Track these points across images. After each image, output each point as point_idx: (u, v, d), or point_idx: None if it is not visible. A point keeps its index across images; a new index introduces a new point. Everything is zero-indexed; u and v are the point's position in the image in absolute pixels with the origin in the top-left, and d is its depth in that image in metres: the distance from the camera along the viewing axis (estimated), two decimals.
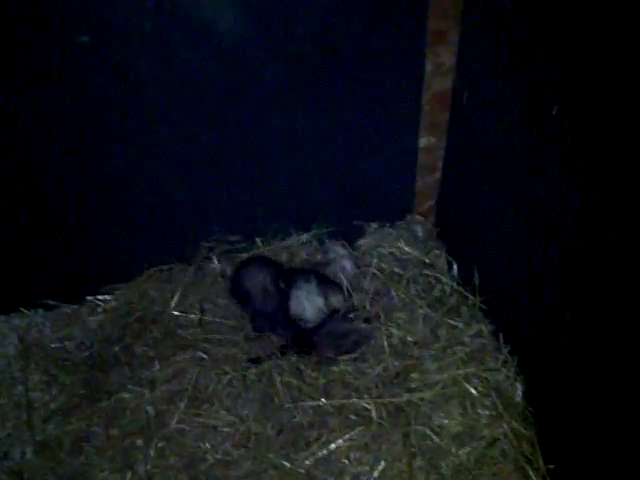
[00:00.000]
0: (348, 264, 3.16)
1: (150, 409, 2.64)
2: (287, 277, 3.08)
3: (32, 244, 3.04)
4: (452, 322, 2.85)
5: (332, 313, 2.97)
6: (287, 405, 2.60)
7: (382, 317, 2.88)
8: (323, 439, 2.48)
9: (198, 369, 2.75)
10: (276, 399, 2.63)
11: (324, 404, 2.58)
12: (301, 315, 2.98)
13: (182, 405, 2.62)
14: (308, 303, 2.97)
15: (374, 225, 3.39)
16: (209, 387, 2.70)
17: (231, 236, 3.29)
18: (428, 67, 2.88)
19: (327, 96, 2.93)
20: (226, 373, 2.73)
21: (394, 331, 2.82)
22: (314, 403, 2.59)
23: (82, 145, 2.83)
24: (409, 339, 2.79)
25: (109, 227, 3.09)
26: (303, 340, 2.88)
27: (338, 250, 3.24)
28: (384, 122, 3.04)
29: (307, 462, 2.42)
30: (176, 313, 3.05)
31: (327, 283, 3.04)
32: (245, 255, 3.32)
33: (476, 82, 2.72)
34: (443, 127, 3.06)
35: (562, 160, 2.10)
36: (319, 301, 2.97)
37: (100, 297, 3.19)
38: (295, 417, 2.58)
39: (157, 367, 2.80)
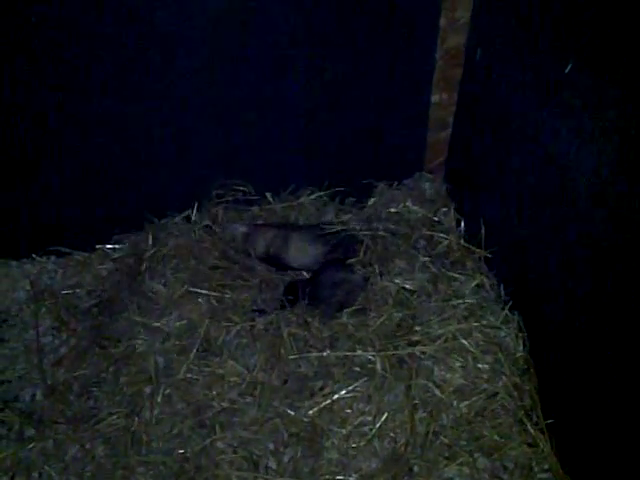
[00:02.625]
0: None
1: (159, 358, 2.68)
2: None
3: (45, 192, 3.07)
4: (454, 275, 2.87)
5: (327, 263, 2.99)
6: (293, 356, 2.63)
7: (377, 267, 2.89)
8: (327, 389, 2.52)
9: (208, 320, 2.78)
10: (282, 350, 2.66)
11: (328, 355, 2.62)
12: (300, 262, 3.05)
13: (192, 355, 2.65)
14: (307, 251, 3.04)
15: (382, 184, 3.40)
16: (219, 338, 2.73)
17: (242, 186, 3.29)
18: (443, 22, 2.87)
19: (340, 49, 2.92)
20: (236, 323, 2.76)
21: (391, 280, 2.85)
22: (319, 354, 2.63)
23: (100, 92, 2.85)
24: (407, 287, 2.82)
25: (121, 176, 3.11)
26: (294, 289, 2.91)
27: None
28: (397, 76, 3.04)
29: (311, 411, 2.46)
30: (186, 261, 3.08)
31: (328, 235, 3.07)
32: (256, 209, 3.34)
33: (490, 38, 2.71)
34: (455, 83, 3.05)
35: (574, 118, 2.10)
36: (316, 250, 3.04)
37: (110, 246, 3.22)
38: (300, 367, 2.62)
39: (168, 314, 2.83)
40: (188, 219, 3.26)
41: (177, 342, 2.73)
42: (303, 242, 3.07)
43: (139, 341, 2.75)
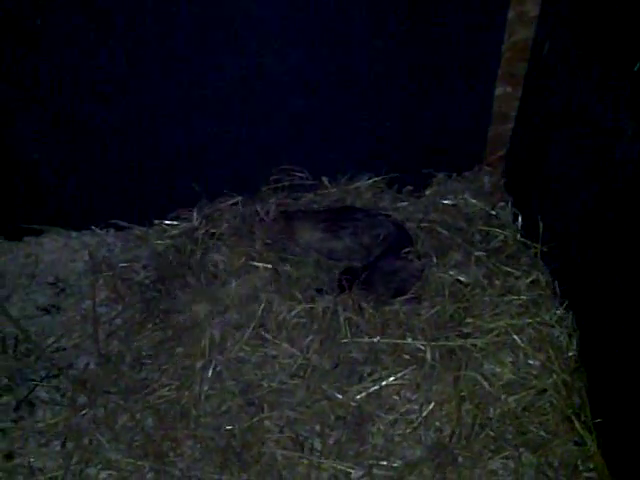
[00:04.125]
0: None
1: (215, 332, 2.69)
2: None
3: (106, 166, 3.13)
4: (510, 270, 2.85)
5: (385, 251, 2.99)
6: (345, 340, 2.65)
7: (434, 258, 2.89)
8: (376, 375, 2.53)
9: (267, 294, 2.79)
10: (336, 334, 2.67)
11: (379, 341, 2.62)
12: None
13: (246, 334, 2.68)
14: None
15: (441, 175, 3.39)
16: (278, 315, 2.73)
17: (298, 172, 3.29)
18: (511, 15, 2.84)
19: (405, 36, 2.91)
20: (298, 302, 2.76)
21: (446, 272, 2.84)
22: (370, 340, 2.64)
23: (160, 70, 2.90)
24: (462, 280, 2.81)
25: (182, 156, 3.16)
26: (351, 272, 2.91)
27: None
28: (462, 68, 3.02)
29: (358, 396, 2.48)
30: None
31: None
32: (311, 194, 3.35)
33: (559, 33, 2.68)
34: (520, 77, 3.02)
35: None
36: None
37: (168, 222, 3.26)
38: (351, 352, 2.63)
39: (227, 286, 2.84)
40: (243, 202, 3.25)
41: (235, 315, 2.74)
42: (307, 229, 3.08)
43: (195, 314, 2.77)
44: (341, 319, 2.69)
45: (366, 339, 2.64)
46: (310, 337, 2.66)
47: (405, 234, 3.06)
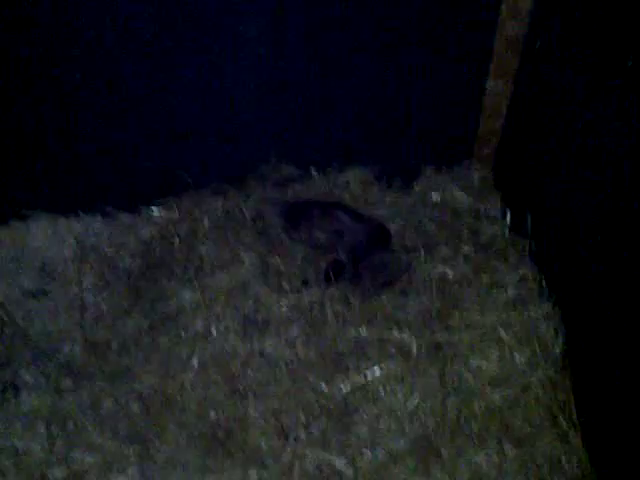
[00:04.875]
0: None
1: (200, 322, 2.71)
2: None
3: (94, 150, 3.10)
4: (497, 265, 2.87)
5: (373, 243, 2.99)
6: (332, 332, 2.66)
7: (422, 252, 2.90)
8: (362, 367, 2.54)
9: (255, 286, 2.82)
10: (323, 326, 2.68)
11: (366, 335, 2.63)
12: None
13: (234, 324, 2.71)
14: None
15: (430, 169, 3.39)
16: (265, 307, 2.76)
17: (285, 166, 3.31)
18: (503, 9, 2.84)
19: (397, 30, 2.92)
20: (286, 292, 2.79)
21: (434, 267, 2.86)
22: (356, 333, 2.65)
23: (149, 57, 2.88)
24: (449, 275, 2.82)
25: (169, 142, 3.14)
26: (338, 265, 2.91)
27: None
28: (453, 62, 3.03)
29: (343, 386, 2.49)
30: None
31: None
32: (299, 187, 3.34)
33: (551, 29, 2.68)
34: (512, 72, 3.02)
35: (634, 113, 2.08)
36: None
37: (155, 208, 3.25)
38: (338, 345, 2.64)
39: (213, 277, 2.87)
40: (228, 193, 3.28)
41: (221, 307, 2.76)
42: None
43: (180, 304, 2.79)
44: (328, 312, 2.70)
45: (353, 332, 2.65)
46: (297, 328, 2.67)
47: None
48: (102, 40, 2.76)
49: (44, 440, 2.40)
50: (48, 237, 3.16)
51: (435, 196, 3.28)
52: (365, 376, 2.51)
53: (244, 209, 3.18)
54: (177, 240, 3.06)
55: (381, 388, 2.49)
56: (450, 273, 2.83)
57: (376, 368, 2.53)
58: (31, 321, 2.82)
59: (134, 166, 3.18)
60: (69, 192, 3.22)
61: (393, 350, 2.59)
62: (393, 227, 3.11)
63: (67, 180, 3.18)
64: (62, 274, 3.02)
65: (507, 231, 3.04)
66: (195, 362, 2.59)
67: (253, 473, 2.29)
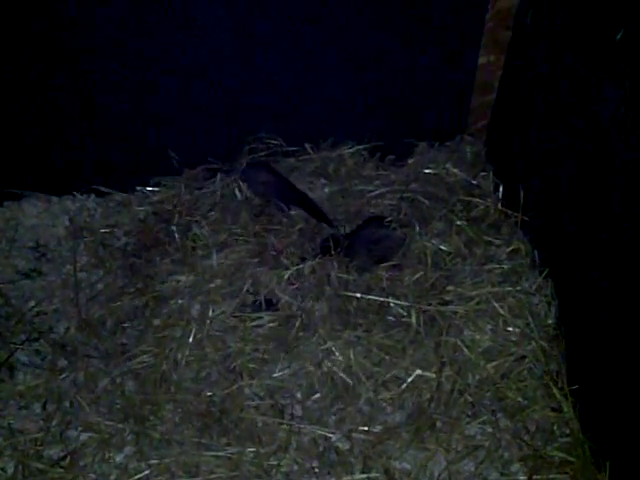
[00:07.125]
0: None
1: (194, 302, 2.72)
2: None
3: (87, 129, 3.10)
4: (490, 239, 2.88)
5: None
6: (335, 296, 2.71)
7: (417, 226, 2.90)
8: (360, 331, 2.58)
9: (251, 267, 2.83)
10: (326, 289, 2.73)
11: (366, 298, 2.66)
12: None
13: (231, 305, 2.72)
14: None
15: (423, 144, 3.39)
16: (262, 284, 2.77)
17: (275, 140, 3.29)
18: None
19: (388, 3, 2.91)
20: (286, 269, 2.80)
21: (429, 241, 2.86)
22: (358, 295, 2.67)
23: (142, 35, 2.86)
24: (444, 249, 2.83)
25: (162, 121, 3.13)
26: (333, 240, 2.89)
27: None
28: (444, 36, 3.02)
29: (342, 358, 2.51)
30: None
31: None
32: (292, 160, 3.34)
33: (542, 1, 2.67)
34: (503, 46, 3.01)
35: (624, 86, 2.07)
36: None
37: (149, 188, 3.25)
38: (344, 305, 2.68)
39: (209, 258, 2.86)
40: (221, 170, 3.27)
41: (215, 285, 2.77)
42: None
43: (175, 283, 2.80)
44: (332, 275, 2.75)
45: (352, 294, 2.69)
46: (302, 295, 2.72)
47: None
48: (91, 21, 2.76)
49: (40, 419, 2.42)
50: (42, 217, 3.16)
51: (428, 171, 3.28)
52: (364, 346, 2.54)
53: (239, 188, 3.18)
54: (172, 219, 3.06)
55: (379, 359, 2.51)
56: (444, 247, 2.83)
57: (376, 335, 2.56)
58: (25, 300, 2.82)
59: (128, 146, 3.18)
60: (62, 172, 3.22)
61: (392, 319, 2.63)
62: (387, 202, 3.11)
63: (61, 160, 3.17)
64: (56, 253, 3.03)
65: (499, 205, 3.04)
66: (190, 340, 2.59)
67: (249, 449, 2.30)
